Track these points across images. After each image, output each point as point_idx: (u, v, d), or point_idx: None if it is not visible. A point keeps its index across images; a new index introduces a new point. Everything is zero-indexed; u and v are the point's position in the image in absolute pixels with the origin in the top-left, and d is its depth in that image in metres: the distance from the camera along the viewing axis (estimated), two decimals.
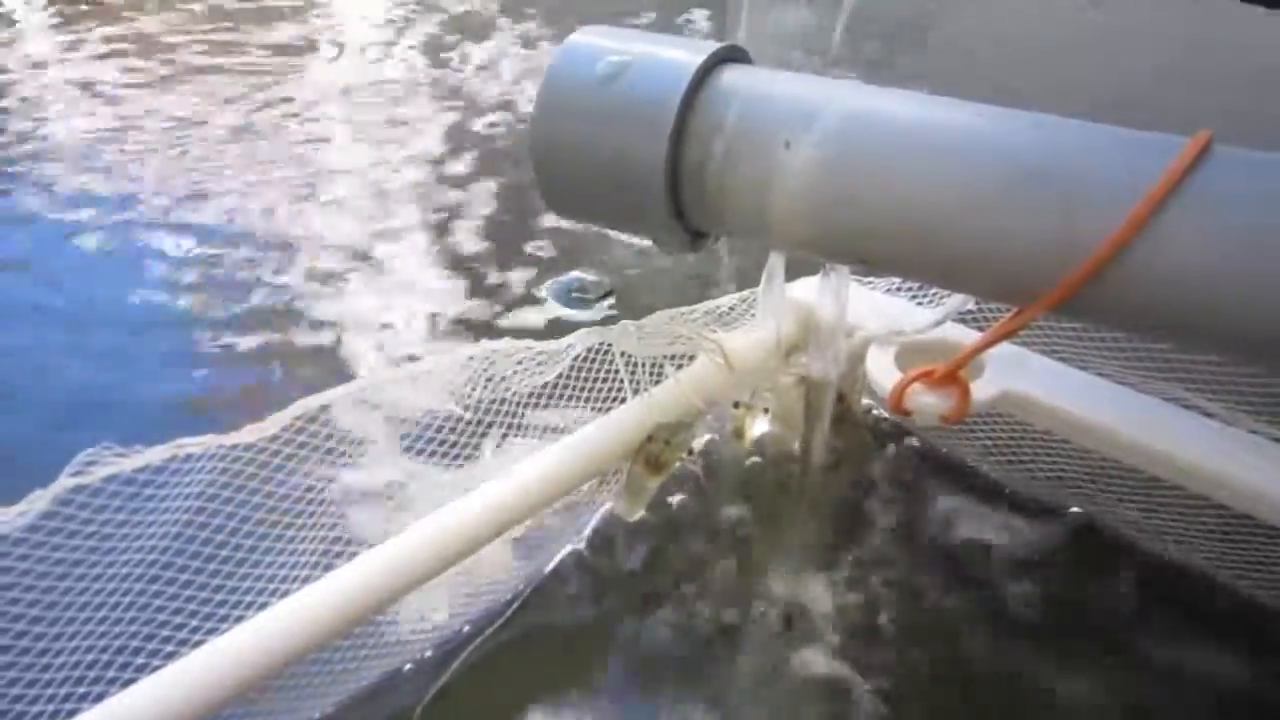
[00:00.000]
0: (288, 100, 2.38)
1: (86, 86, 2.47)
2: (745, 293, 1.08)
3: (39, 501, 0.63)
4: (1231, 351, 0.66)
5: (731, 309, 1.07)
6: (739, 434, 1.16)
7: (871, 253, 0.74)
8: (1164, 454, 0.89)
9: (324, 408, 0.73)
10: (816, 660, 0.95)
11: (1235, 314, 0.60)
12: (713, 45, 0.77)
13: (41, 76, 2.56)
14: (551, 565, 1.05)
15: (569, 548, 1.07)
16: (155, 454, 0.66)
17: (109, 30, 2.84)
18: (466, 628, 0.96)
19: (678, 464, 0.99)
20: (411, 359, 1.34)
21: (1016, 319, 0.72)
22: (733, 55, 0.79)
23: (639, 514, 1.06)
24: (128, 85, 2.49)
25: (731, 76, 0.77)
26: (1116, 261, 0.62)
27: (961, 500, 1.14)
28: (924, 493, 1.15)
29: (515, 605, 0.99)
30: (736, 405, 1.15)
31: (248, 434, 0.70)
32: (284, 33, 2.86)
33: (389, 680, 0.92)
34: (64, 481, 0.64)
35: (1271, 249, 0.59)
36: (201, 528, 0.75)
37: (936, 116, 0.71)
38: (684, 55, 0.76)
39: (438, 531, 0.79)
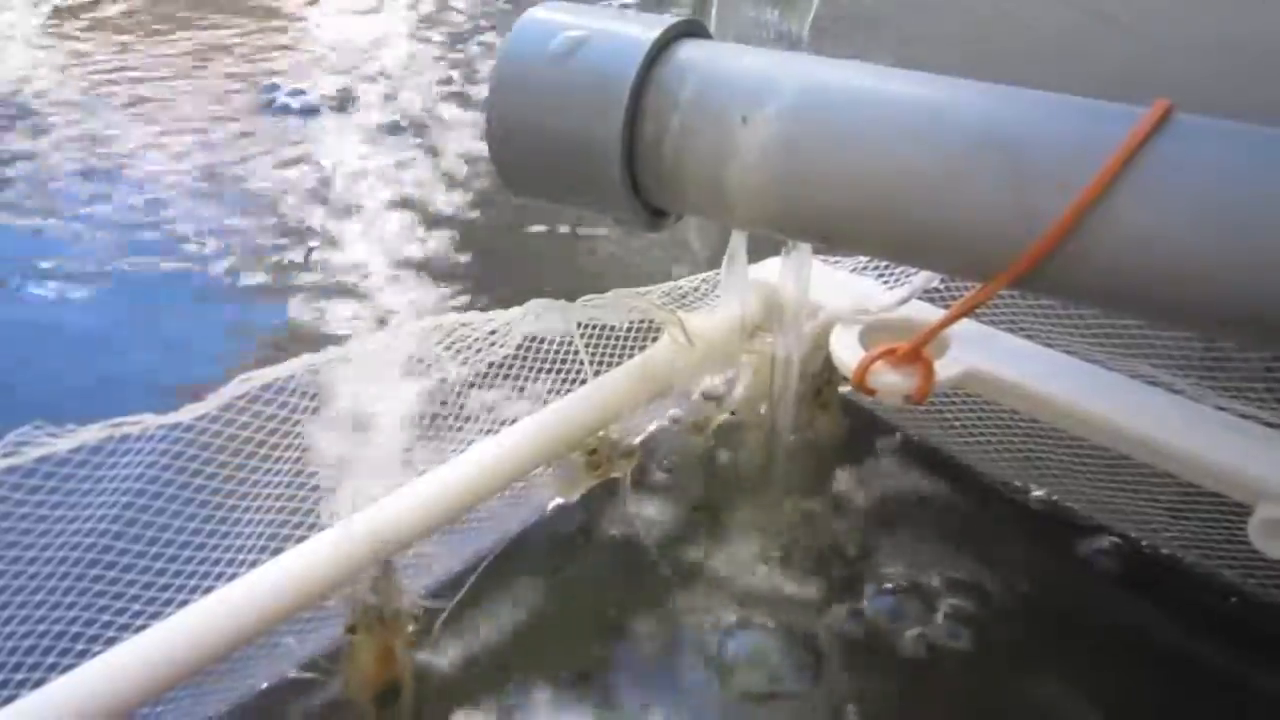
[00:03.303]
0: None
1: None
2: (707, 274, 1.06)
3: None
4: (1195, 324, 0.65)
5: (695, 289, 1.06)
6: (699, 427, 1.15)
7: (830, 228, 0.72)
8: (1130, 431, 0.88)
9: (265, 387, 0.72)
10: None
11: (1198, 285, 0.59)
12: (670, 19, 0.75)
13: None
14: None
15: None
16: (89, 434, 0.65)
17: None
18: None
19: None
20: None
21: (978, 294, 0.71)
22: (691, 30, 0.77)
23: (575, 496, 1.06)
24: None
25: (688, 51, 0.75)
26: (1075, 233, 0.60)
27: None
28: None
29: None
30: (712, 398, 1.14)
31: (186, 414, 0.69)
32: None
33: None
34: None
35: (1233, 219, 0.57)
36: (143, 510, 0.73)
37: (893, 89, 0.69)
38: (640, 30, 0.75)
39: (383, 516, 0.78)
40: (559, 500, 1.07)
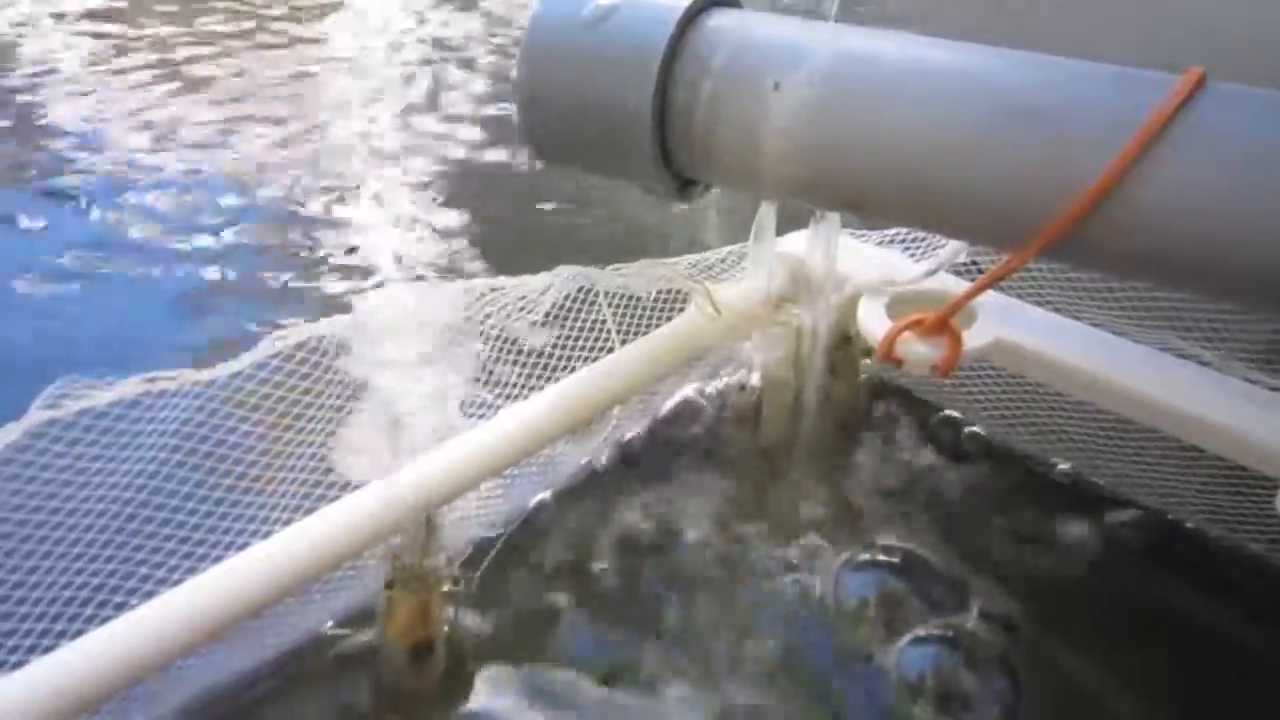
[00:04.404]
0: None
1: None
2: (734, 247, 1.06)
3: (10, 434, 0.63)
4: (1227, 292, 0.65)
5: (722, 260, 1.06)
6: (742, 418, 1.16)
7: (861, 195, 0.73)
8: (1158, 403, 0.88)
9: (299, 345, 0.72)
10: None
11: (1230, 250, 0.59)
12: None
13: None
14: None
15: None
16: (127, 388, 0.66)
17: None
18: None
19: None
20: None
21: (1008, 263, 0.71)
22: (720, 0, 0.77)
23: None
24: None
25: (719, 19, 0.76)
26: (1108, 199, 0.60)
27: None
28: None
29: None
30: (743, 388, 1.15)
31: (221, 370, 0.70)
32: None
33: None
34: (36, 415, 0.63)
35: (1267, 184, 0.57)
36: (179, 465, 0.74)
37: (926, 56, 0.69)
38: None
39: (416, 477, 0.79)
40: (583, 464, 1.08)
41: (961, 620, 0.94)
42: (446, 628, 0.86)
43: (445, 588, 0.82)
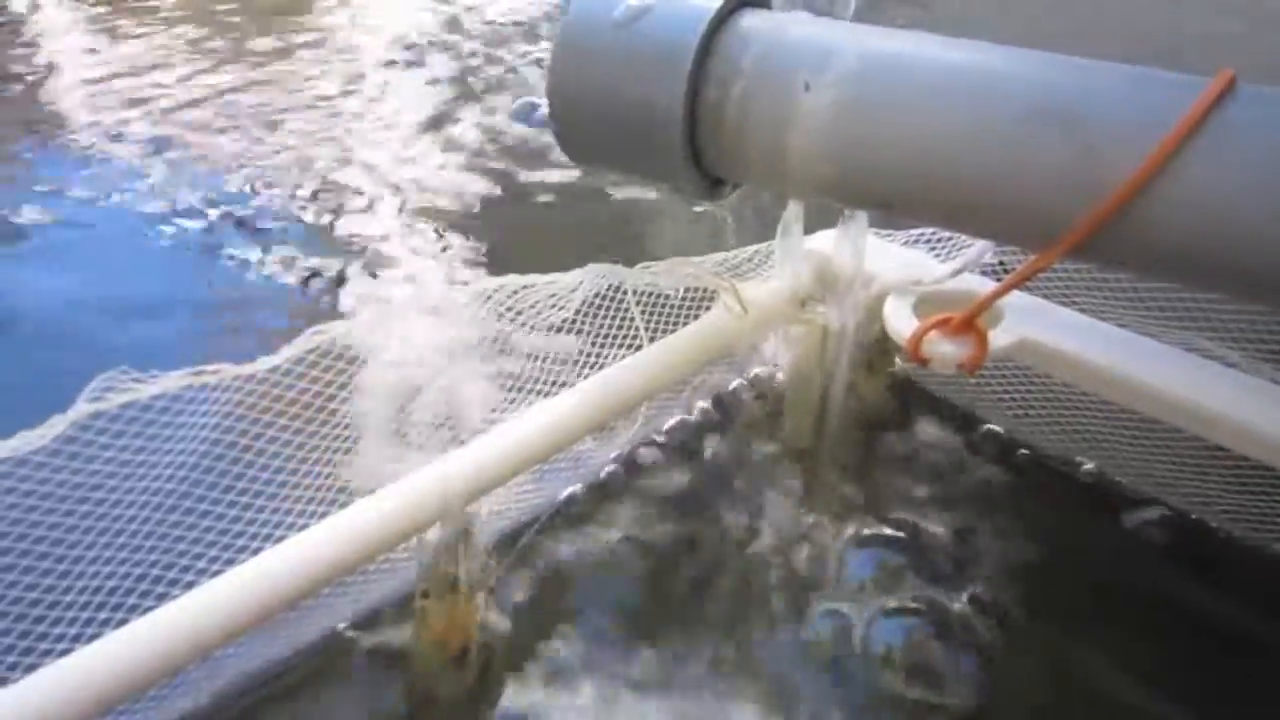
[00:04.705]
0: None
1: None
2: (760, 245, 1.07)
3: (57, 426, 0.64)
4: (1255, 292, 0.65)
5: (749, 259, 1.07)
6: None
7: (891, 194, 0.73)
8: (1183, 403, 0.88)
9: (334, 340, 0.74)
10: None
11: (1259, 251, 0.60)
12: None
13: None
14: None
15: None
16: (171, 381, 0.67)
17: None
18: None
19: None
20: None
21: (1035, 263, 0.71)
22: (751, 0, 0.78)
23: None
24: None
25: (750, 20, 0.76)
26: (1138, 200, 0.61)
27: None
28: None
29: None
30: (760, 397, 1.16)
31: (261, 364, 0.71)
32: None
33: None
34: (82, 407, 0.65)
35: None
36: (218, 459, 0.75)
37: (955, 57, 0.70)
38: None
39: (446, 472, 0.80)
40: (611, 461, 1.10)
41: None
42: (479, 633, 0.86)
43: (480, 596, 0.83)
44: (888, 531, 1.04)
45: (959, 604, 0.97)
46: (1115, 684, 0.91)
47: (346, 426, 0.79)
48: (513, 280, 0.82)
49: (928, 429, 1.17)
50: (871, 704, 0.89)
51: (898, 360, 1.14)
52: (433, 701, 0.86)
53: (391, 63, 2.45)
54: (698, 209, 1.62)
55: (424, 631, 0.83)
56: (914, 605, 0.96)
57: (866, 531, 1.04)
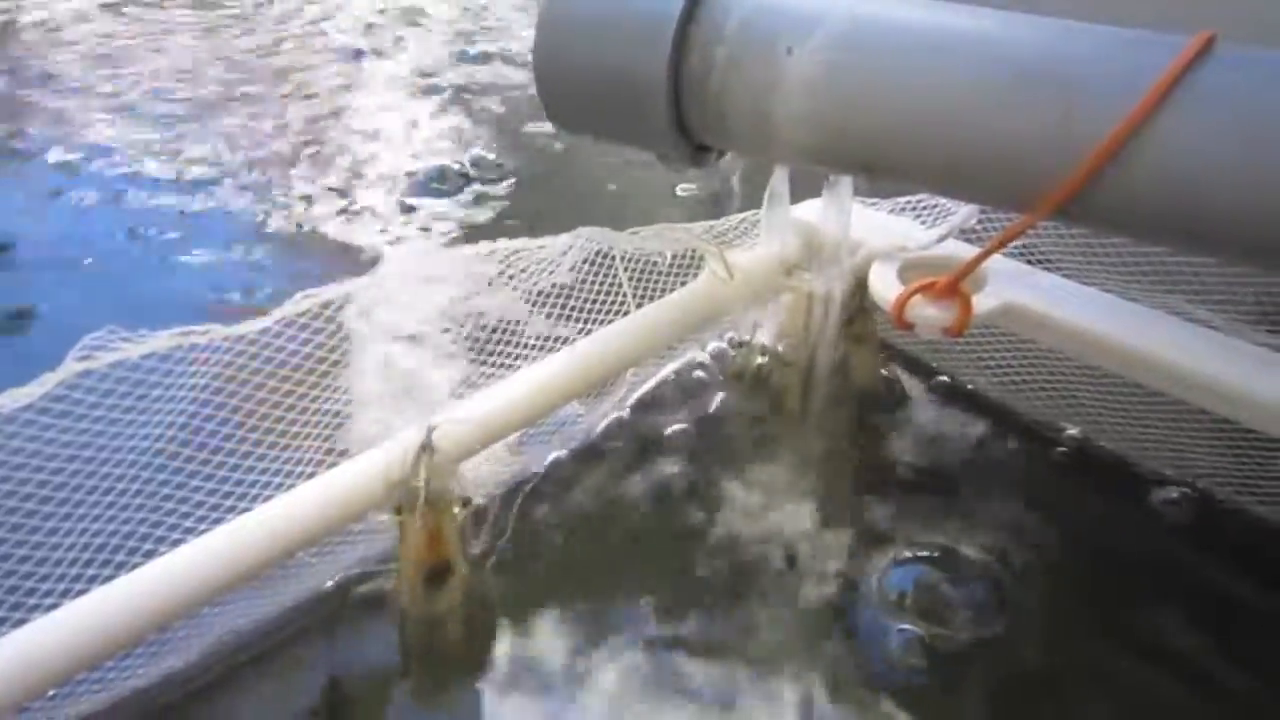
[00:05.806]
0: None
1: None
2: (747, 213, 1.08)
3: (46, 384, 0.65)
4: (1234, 252, 0.66)
5: (736, 228, 1.07)
6: (738, 375, 1.17)
7: (875, 157, 0.74)
8: (1167, 365, 0.89)
9: (326, 304, 0.74)
10: None
11: (1238, 211, 0.60)
12: None
13: None
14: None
15: None
16: (160, 341, 0.67)
17: None
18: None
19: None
20: None
21: (1018, 225, 0.72)
22: None
23: None
24: None
25: None
26: (1115, 161, 0.62)
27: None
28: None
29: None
30: (740, 345, 1.17)
31: (249, 326, 0.71)
32: None
33: None
34: (70, 366, 0.65)
35: (1274, 145, 0.58)
36: (207, 419, 0.76)
37: (937, 20, 0.70)
38: None
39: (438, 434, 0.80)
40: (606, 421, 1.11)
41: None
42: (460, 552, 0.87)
43: (455, 509, 0.82)
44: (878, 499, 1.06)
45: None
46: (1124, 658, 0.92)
47: (337, 390, 0.79)
48: (504, 245, 0.83)
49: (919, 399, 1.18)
50: (881, 651, 0.90)
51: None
52: (425, 656, 0.87)
53: None
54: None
55: (403, 548, 0.83)
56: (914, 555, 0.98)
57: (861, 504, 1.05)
